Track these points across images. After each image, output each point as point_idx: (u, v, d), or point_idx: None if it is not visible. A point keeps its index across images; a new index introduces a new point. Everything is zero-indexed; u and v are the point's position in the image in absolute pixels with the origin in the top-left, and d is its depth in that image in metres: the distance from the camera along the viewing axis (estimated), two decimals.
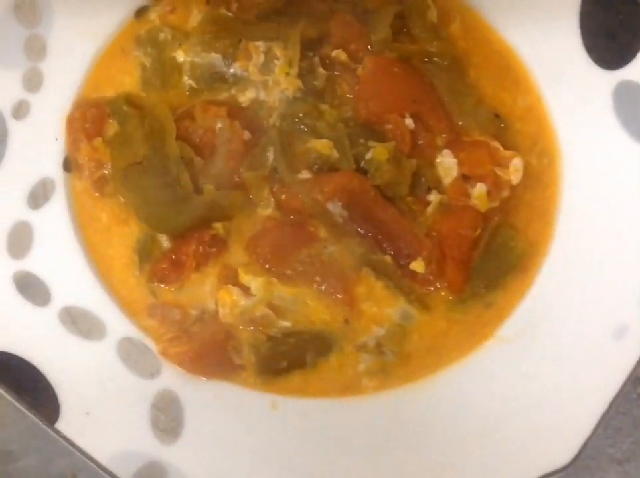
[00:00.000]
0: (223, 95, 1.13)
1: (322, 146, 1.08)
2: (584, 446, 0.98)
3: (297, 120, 1.10)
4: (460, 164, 1.09)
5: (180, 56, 1.13)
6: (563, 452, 0.98)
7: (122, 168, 1.08)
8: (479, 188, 1.08)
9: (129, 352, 1.04)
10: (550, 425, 1.01)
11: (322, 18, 1.14)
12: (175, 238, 1.08)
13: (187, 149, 1.08)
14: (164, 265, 1.07)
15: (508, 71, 1.16)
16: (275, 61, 1.11)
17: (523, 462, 0.99)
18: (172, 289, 1.08)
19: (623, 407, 1.14)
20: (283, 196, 1.08)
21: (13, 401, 0.97)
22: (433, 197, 1.09)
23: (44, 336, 1.03)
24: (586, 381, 1.01)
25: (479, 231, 1.08)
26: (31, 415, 0.97)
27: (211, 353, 1.04)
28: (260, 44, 1.11)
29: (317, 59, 1.12)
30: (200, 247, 1.07)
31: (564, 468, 0.97)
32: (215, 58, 1.12)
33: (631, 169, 1.08)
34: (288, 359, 1.05)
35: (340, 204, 1.06)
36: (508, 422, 1.02)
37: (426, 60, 1.14)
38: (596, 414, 0.98)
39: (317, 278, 1.06)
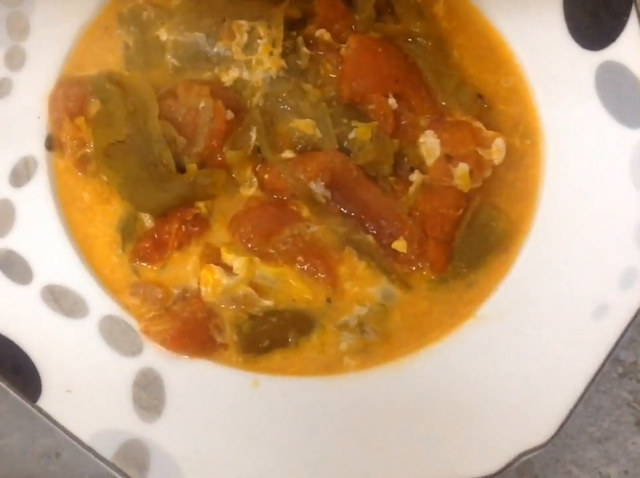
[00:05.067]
0: (206, 75, 1.13)
1: (305, 126, 1.09)
2: (563, 424, 0.99)
3: (280, 100, 1.11)
4: (443, 144, 1.09)
5: (164, 35, 1.13)
6: (542, 430, 0.99)
7: (104, 147, 1.07)
8: (462, 168, 1.08)
9: (111, 331, 1.04)
10: (529, 403, 1.02)
11: None
12: (158, 217, 1.08)
13: (170, 128, 1.07)
14: (147, 244, 1.07)
15: (492, 52, 1.16)
16: (259, 40, 1.10)
17: (503, 439, 1.00)
18: (155, 268, 1.08)
19: (603, 386, 1.15)
20: (266, 176, 1.08)
21: None
22: (416, 177, 1.09)
23: (26, 314, 1.03)
24: (566, 360, 1.02)
25: (461, 211, 1.08)
26: (13, 394, 0.98)
27: (193, 332, 1.04)
28: (244, 24, 1.11)
29: (300, 39, 1.12)
30: (183, 227, 1.07)
31: (543, 445, 0.99)
32: (198, 37, 1.12)
33: (613, 150, 1.08)
34: (270, 338, 1.06)
35: (323, 183, 1.06)
36: (488, 400, 1.03)
37: (410, 40, 1.14)
38: (575, 393, 1.00)
39: (300, 257, 1.07)
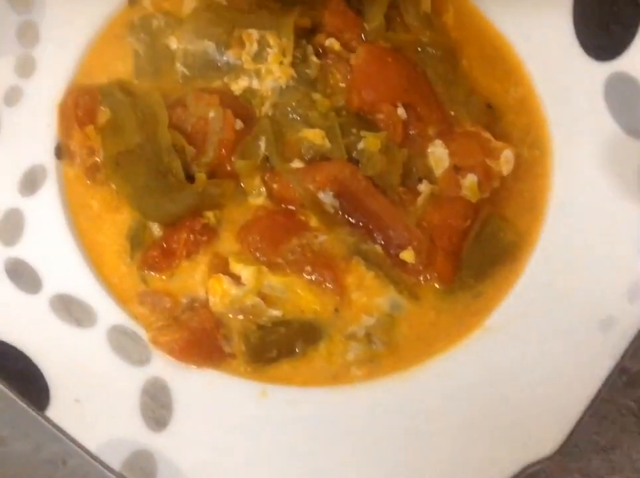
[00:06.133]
0: (216, 84, 1.13)
1: (315, 135, 1.09)
2: (570, 435, 0.99)
3: (289, 109, 1.11)
4: (451, 154, 1.09)
5: (174, 43, 1.13)
6: (549, 441, 0.99)
7: (114, 155, 1.08)
8: (470, 179, 1.08)
9: (119, 340, 1.05)
10: (536, 414, 1.02)
11: (316, 6, 1.14)
12: (166, 226, 1.08)
13: (179, 137, 1.08)
14: (156, 253, 1.07)
15: (501, 62, 1.16)
16: (269, 49, 1.11)
17: (510, 450, 1.00)
18: (163, 277, 1.08)
19: (608, 395, 1.13)
20: (275, 186, 1.09)
21: (3, 388, 0.98)
22: (424, 187, 1.09)
23: (35, 323, 1.03)
24: (573, 371, 1.02)
25: (469, 221, 1.08)
26: (20, 401, 0.98)
27: (201, 341, 1.04)
28: (254, 32, 1.11)
29: (310, 48, 1.12)
30: (191, 236, 1.07)
31: (551, 457, 0.99)
32: (208, 45, 1.12)
33: (621, 161, 1.09)
34: (278, 348, 1.06)
35: (331, 193, 1.07)
36: (495, 411, 1.03)
37: (419, 49, 1.14)
38: (582, 404, 1.00)
39: (308, 267, 1.07)
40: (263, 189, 1.09)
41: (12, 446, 1.11)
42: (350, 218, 1.08)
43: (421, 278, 1.08)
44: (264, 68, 1.11)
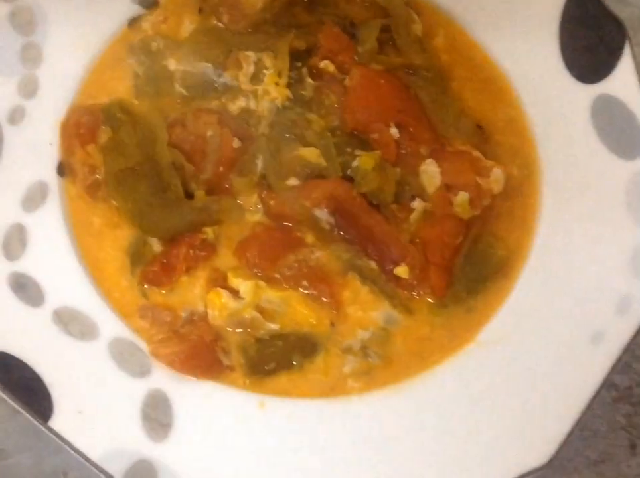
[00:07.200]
0: (214, 104, 1.14)
1: (310, 154, 1.10)
2: (560, 448, 1.00)
3: (285, 129, 1.12)
4: (443, 173, 1.11)
5: (172, 65, 1.15)
6: (540, 453, 1.00)
7: (115, 173, 1.09)
8: (462, 197, 1.10)
9: (120, 353, 1.05)
10: (527, 427, 1.03)
11: (310, 30, 1.16)
12: (166, 241, 1.09)
13: (178, 156, 1.09)
14: (156, 268, 1.08)
15: (490, 84, 1.18)
16: (265, 71, 1.12)
17: (500, 462, 1.01)
18: (163, 292, 1.09)
19: (599, 410, 1.15)
20: (272, 202, 1.10)
21: (7, 399, 0.98)
22: (417, 205, 1.10)
23: (38, 336, 1.04)
24: (563, 385, 1.03)
25: (461, 238, 1.10)
26: (24, 413, 0.99)
27: (200, 354, 1.05)
28: (250, 54, 1.13)
29: (305, 69, 1.14)
30: (191, 251, 1.08)
31: (541, 468, 1.00)
32: (206, 67, 1.14)
33: (608, 180, 1.10)
34: (276, 361, 1.07)
35: (327, 210, 1.08)
36: (487, 423, 1.04)
37: (411, 72, 1.16)
38: (572, 417, 1.00)
39: (304, 282, 1.08)
40: (260, 206, 1.11)
41: (14, 459, 1.11)
42: (345, 235, 1.10)
43: (415, 293, 1.10)
44: (261, 88, 1.13)
